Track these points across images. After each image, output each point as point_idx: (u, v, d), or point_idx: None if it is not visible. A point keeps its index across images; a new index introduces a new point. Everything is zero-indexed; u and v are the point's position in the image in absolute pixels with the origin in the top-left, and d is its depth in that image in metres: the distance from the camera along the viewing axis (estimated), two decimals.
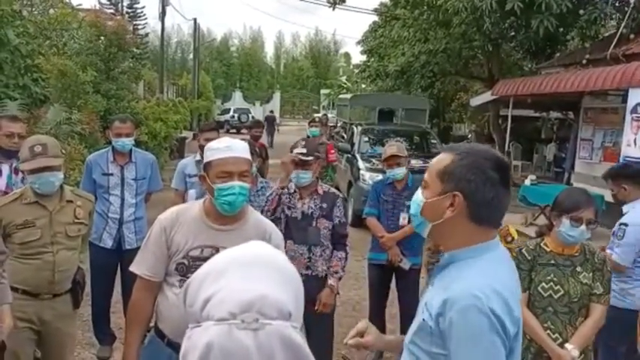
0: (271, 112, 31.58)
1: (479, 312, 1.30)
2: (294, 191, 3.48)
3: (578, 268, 2.60)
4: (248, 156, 2.17)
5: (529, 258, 2.67)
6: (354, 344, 1.67)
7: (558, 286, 2.60)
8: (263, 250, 0.92)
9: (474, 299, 1.31)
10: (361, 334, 1.68)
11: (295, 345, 0.82)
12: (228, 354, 0.79)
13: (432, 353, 1.41)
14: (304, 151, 3.38)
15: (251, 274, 0.85)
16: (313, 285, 3.34)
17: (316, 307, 3.36)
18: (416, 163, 8.25)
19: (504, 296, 1.34)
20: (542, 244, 2.69)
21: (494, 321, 1.31)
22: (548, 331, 2.61)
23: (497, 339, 1.31)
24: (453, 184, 1.40)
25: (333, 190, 3.64)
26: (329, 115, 21.47)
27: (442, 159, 1.46)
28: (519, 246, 2.77)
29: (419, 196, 1.50)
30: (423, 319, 1.44)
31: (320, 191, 3.47)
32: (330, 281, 3.45)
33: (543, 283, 2.62)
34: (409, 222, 3.95)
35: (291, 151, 3.52)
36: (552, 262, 2.63)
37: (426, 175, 1.49)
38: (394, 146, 4.28)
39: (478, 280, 1.35)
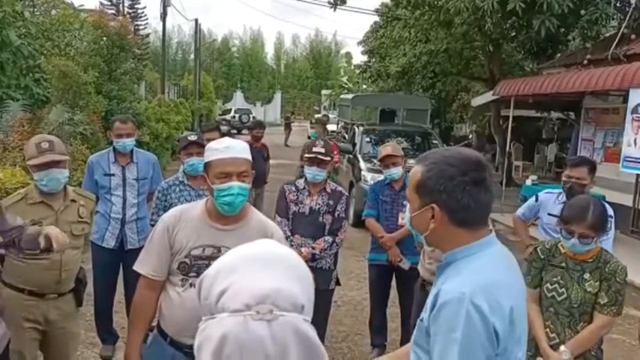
0: (291, 113, 33.36)
1: (459, 306, 1.32)
2: (304, 187, 3.61)
3: (586, 275, 2.58)
4: (248, 156, 2.17)
5: (542, 257, 2.70)
6: None
7: (563, 289, 2.61)
8: (275, 247, 0.94)
9: (458, 294, 1.33)
10: None
11: (308, 337, 0.85)
12: (243, 344, 0.81)
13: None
14: (323, 150, 3.54)
15: (265, 268, 0.88)
16: (318, 277, 3.47)
17: None
18: None
19: (493, 293, 1.35)
20: (559, 245, 2.69)
21: (476, 317, 1.31)
22: (547, 330, 2.63)
23: (475, 335, 1.31)
24: (427, 197, 1.43)
25: (340, 188, 3.78)
26: (330, 116, 21.57)
27: (414, 173, 1.48)
28: (537, 245, 2.81)
29: (407, 211, 1.54)
30: (421, 319, 1.46)
31: (328, 189, 3.64)
32: (303, 249, 3.53)
33: (549, 284, 2.65)
34: None
35: (305, 152, 3.67)
36: (563, 264, 2.64)
37: (407, 191, 1.53)
38: (389, 146, 4.33)
39: (468, 278, 1.37)
